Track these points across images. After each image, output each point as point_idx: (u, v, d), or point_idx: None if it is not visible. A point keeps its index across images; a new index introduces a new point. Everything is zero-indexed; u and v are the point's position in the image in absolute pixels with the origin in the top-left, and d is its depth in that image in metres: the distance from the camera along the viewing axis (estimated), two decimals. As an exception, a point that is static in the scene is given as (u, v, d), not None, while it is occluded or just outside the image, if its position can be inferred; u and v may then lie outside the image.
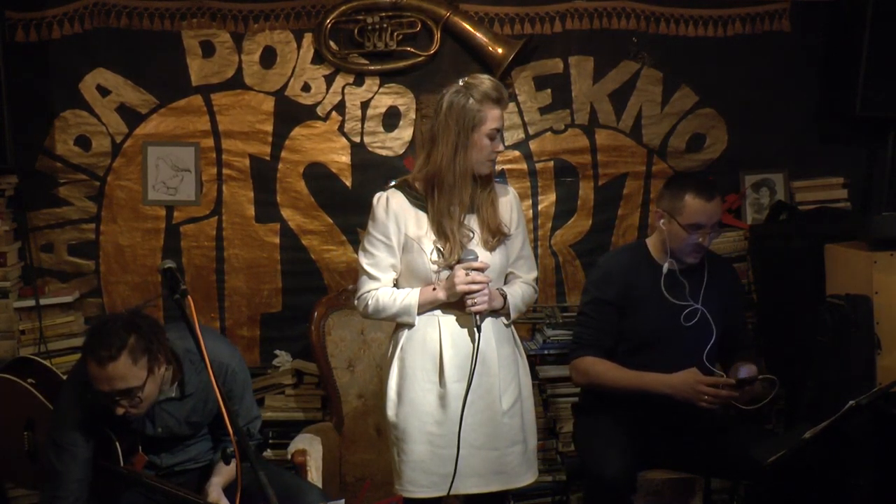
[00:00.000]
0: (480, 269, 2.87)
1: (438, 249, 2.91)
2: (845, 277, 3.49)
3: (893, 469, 3.06)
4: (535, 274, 3.12)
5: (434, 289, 2.91)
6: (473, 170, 2.91)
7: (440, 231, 2.91)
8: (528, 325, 4.26)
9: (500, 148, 2.92)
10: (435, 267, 2.91)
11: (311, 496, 2.98)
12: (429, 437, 2.91)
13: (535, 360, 4.07)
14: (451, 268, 2.89)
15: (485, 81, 2.90)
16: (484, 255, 2.92)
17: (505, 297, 2.97)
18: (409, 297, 2.93)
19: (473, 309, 2.85)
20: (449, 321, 2.94)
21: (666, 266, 3.26)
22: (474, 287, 2.84)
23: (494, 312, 2.97)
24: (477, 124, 2.86)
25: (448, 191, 2.90)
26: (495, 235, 2.96)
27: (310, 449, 3.50)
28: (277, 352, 4.15)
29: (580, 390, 3.56)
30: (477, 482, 2.93)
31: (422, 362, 2.93)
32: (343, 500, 2.73)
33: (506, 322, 3.02)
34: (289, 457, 3.48)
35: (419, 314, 2.94)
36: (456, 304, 2.90)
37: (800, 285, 3.82)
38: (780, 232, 4.05)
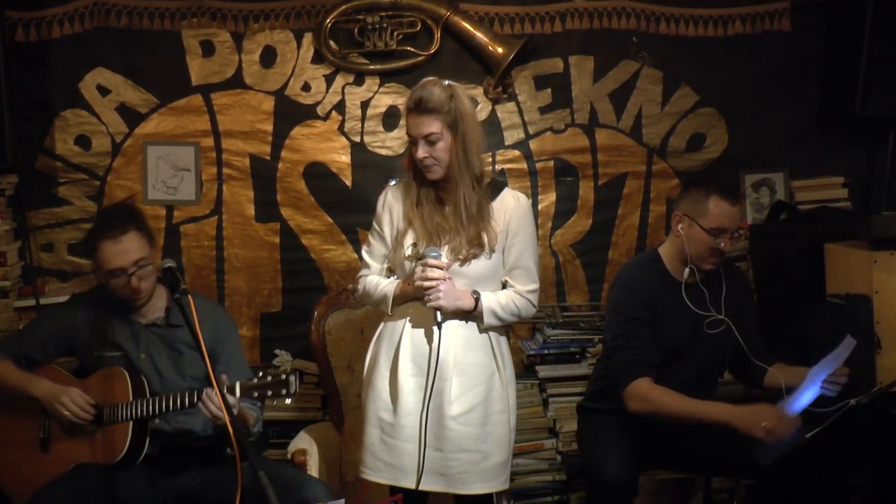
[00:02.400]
0: (438, 267, 2.92)
1: (414, 244, 3.00)
2: (845, 277, 3.49)
3: (893, 469, 3.06)
4: (532, 286, 3.07)
5: (409, 283, 3.00)
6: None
7: (412, 225, 3.02)
8: (528, 325, 4.26)
9: (419, 154, 2.94)
10: (407, 260, 3.01)
11: (314, 490, 2.99)
12: (379, 423, 3.03)
13: (535, 360, 4.08)
14: (420, 261, 2.97)
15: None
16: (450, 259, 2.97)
17: (477, 300, 2.98)
18: (387, 287, 3.06)
19: (429, 305, 2.92)
20: (416, 316, 3.02)
21: (686, 272, 3.21)
22: (427, 284, 2.90)
23: (468, 315, 3.00)
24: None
25: (408, 188, 3.07)
26: (471, 247, 2.97)
27: (309, 449, 3.50)
28: (277, 351, 4.15)
29: (585, 389, 3.55)
30: (415, 478, 2.96)
31: (385, 351, 3.06)
32: (343, 500, 2.73)
33: (481, 326, 3.03)
34: (289, 456, 3.48)
35: (399, 305, 3.05)
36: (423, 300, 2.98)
37: (800, 285, 3.82)
38: (780, 231, 4.05)
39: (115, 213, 3.21)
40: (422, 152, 2.94)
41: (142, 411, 3.04)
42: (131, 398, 3.07)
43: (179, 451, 3.17)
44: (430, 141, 2.93)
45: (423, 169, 2.99)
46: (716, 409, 3.04)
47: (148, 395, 3.09)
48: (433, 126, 2.92)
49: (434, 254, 2.94)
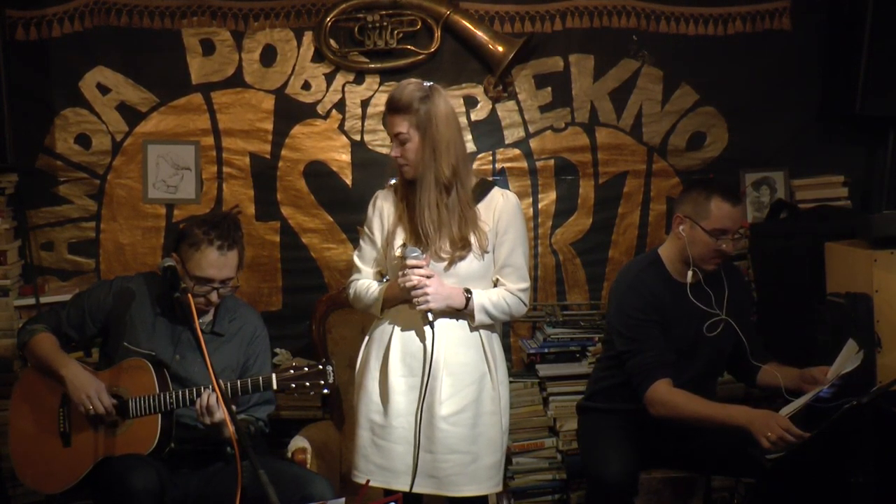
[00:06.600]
0: (418, 266, 2.92)
1: (403, 245, 3.00)
2: (845, 276, 3.49)
3: (893, 469, 3.06)
4: (523, 285, 3.06)
5: (398, 285, 2.99)
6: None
7: (401, 226, 3.03)
8: (528, 323, 4.26)
9: (392, 153, 2.98)
10: (396, 262, 3.01)
11: (318, 487, 3.00)
12: (371, 425, 3.02)
13: (535, 359, 4.08)
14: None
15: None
16: (434, 262, 2.97)
17: (468, 299, 2.97)
18: (377, 290, 3.06)
19: (419, 308, 2.92)
20: (405, 316, 3.02)
21: (690, 275, 3.20)
22: (410, 284, 2.90)
23: (459, 313, 3.00)
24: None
25: (397, 189, 3.08)
26: (455, 248, 2.97)
27: (309, 448, 3.50)
28: (278, 350, 4.14)
29: (585, 388, 3.55)
30: (408, 480, 2.96)
31: (376, 353, 3.06)
32: (343, 500, 2.73)
33: (471, 324, 3.02)
34: (289, 455, 3.49)
35: (390, 307, 3.05)
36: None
37: (800, 284, 3.82)
38: (780, 230, 4.05)
39: (229, 224, 3.18)
40: (395, 151, 2.98)
41: (169, 403, 3.03)
42: (157, 391, 3.07)
43: (188, 458, 3.17)
44: (400, 140, 2.96)
45: (401, 170, 3.02)
46: (735, 411, 3.01)
47: (171, 388, 3.09)
48: (401, 126, 2.95)
49: (414, 254, 2.93)
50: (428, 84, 3.01)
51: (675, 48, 4.26)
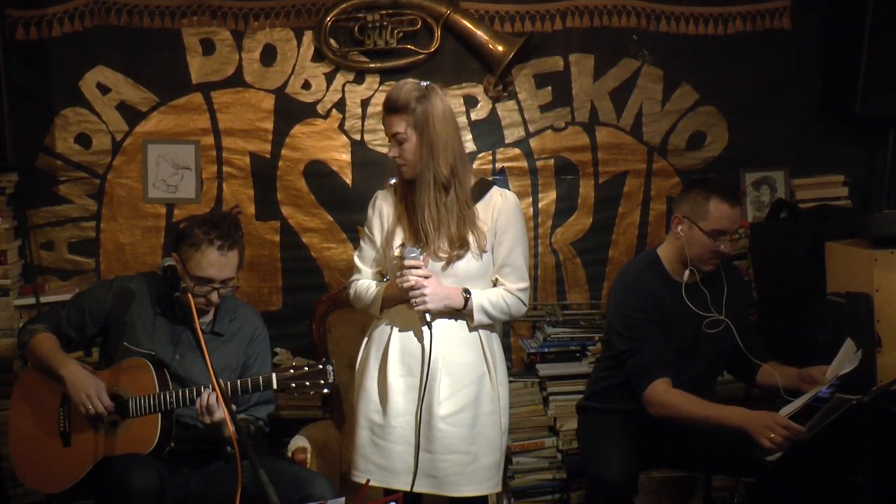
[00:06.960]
0: (416, 266, 2.92)
1: (402, 244, 3.00)
2: (846, 275, 3.49)
3: (893, 468, 3.06)
4: (522, 284, 3.06)
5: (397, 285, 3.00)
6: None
7: (400, 224, 3.04)
8: (528, 323, 4.27)
9: (390, 153, 3.00)
10: (396, 262, 3.01)
11: (318, 486, 3.01)
12: (370, 425, 3.02)
13: (535, 359, 4.08)
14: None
15: None
16: (432, 262, 2.97)
17: (467, 300, 2.97)
18: (376, 290, 3.06)
19: (416, 309, 2.93)
20: (404, 316, 3.02)
21: (686, 274, 3.21)
22: (407, 285, 2.91)
23: (458, 313, 3.00)
24: None
25: (396, 189, 3.10)
26: (453, 248, 2.97)
27: (310, 448, 3.50)
28: (278, 350, 4.14)
29: (585, 388, 3.55)
30: (407, 480, 2.96)
31: (375, 352, 3.06)
32: (343, 499, 2.73)
33: (470, 324, 3.02)
34: (289, 455, 3.49)
35: (389, 307, 3.05)
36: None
37: (800, 283, 3.82)
38: (780, 230, 4.05)
39: (229, 223, 3.19)
40: (393, 151, 2.99)
41: (169, 403, 3.04)
42: (157, 390, 3.07)
43: (188, 457, 3.17)
44: (398, 140, 2.97)
45: (396, 168, 3.03)
46: (732, 413, 3.01)
47: (171, 387, 3.09)
48: (399, 126, 2.97)
49: (412, 254, 2.93)
50: (425, 84, 3.01)
51: (675, 48, 4.26)
